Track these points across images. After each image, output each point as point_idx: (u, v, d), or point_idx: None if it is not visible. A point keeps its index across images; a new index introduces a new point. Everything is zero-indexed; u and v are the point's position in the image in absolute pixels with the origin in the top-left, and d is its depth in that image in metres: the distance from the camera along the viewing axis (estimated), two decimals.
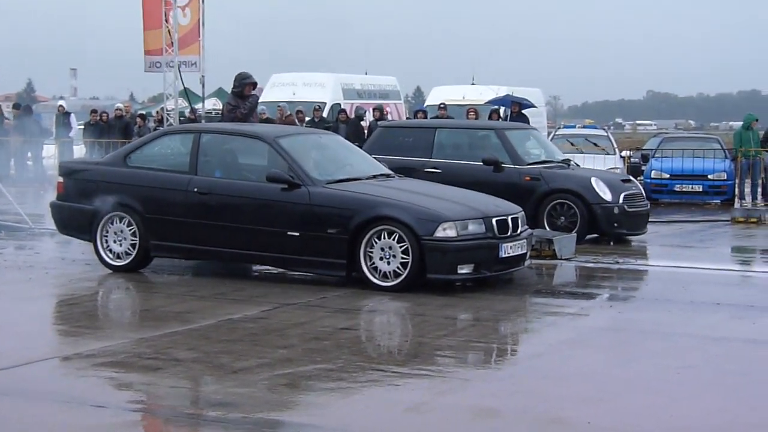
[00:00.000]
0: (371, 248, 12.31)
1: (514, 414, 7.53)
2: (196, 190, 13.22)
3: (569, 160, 18.92)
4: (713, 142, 28.96)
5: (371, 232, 12.32)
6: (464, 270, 12.32)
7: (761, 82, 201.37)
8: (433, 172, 17.35)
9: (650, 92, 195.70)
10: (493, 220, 12.61)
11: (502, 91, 32.55)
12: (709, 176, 26.61)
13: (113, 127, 29.58)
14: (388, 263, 12.27)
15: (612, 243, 17.39)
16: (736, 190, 26.97)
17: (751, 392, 8.30)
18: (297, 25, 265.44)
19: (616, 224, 17.34)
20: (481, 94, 33.68)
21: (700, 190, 26.49)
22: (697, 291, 13.26)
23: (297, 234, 12.67)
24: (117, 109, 31.77)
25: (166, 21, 24.64)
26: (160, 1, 24.36)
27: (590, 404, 7.76)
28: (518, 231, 12.99)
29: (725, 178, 26.70)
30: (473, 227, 12.42)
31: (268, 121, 19.84)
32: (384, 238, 12.27)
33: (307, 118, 28.35)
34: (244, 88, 16.88)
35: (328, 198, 12.67)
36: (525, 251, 13.15)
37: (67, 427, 7.14)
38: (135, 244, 13.49)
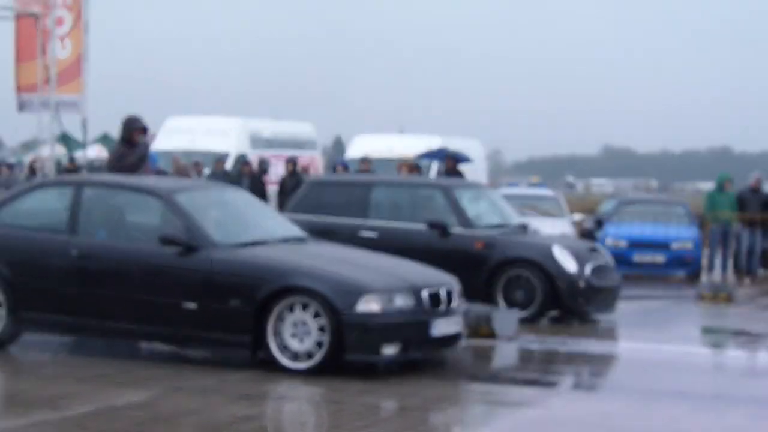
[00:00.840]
0: (281, 323, 12.30)
1: None
2: (75, 253, 13.18)
3: (527, 224, 18.97)
4: (678, 206, 29.29)
5: (281, 305, 12.31)
6: (389, 350, 12.32)
7: (733, 138, 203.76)
8: (367, 236, 17.42)
9: (606, 147, 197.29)
10: (424, 292, 12.65)
11: (434, 143, 32.65)
12: (673, 245, 26.81)
13: None
14: (301, 341, 12.26)
15: (576, 323, 17.46)
16: (704, 261, 27.39)
17: None
18: (196, 61, 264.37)
19: (581, 300, 17.39)
20: (410, 145, 33.72)
21: (663, 261, 26.66)
22: (656, 378, 13.38)
23: (194, 306, 12.63)
24: None
25: (43, 53, 24.46)
26: (35, 29, 24.18)
27: None
28: (453, 305, 13.03)
29: (691, 247, 26.95)
30: (401, 300, 12.43)
31: (161, 173, 19.78)
32: (296, 311, 12.28)
33: (207, 171, 28.18)
34: (133, 133, 16.84)
35: (231, 264, 12.66)
36: (460, 329, 13.19)
37: None
38: (1, 315, 13.42)
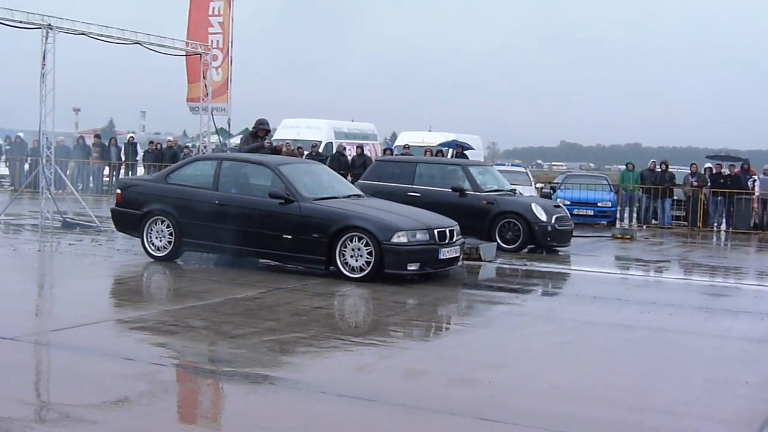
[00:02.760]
0: (344, 249, 12.17)
1: (435, 374, 7.39)
2: (217, 201, 13.08)
3: (515, 189, 18.92)
4: (603, 179, 28.87)
5: (345, 237, 12.18)
6: (412, 267, 12.20)
7: (642, 136, 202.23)
8: (414, 195, 17.35)
9: (563, 142, 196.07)
10: (435, 231, 12.50)
11: (450, 137, 32.49)
12: (599, 204, 26.52)
13: (165, 154, 29.55)
14: (356, 260, 12.13)
15: (545, 252, 17.28)
16: (618, 214, 27.11)
17: (612, 363, 8.18)
18: (302, 80, 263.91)
19: (548, 239, 17.29)
20: (434, 138, 33.65)
21: (592, 213, 26.36)
22: (581, 287, 13.20)
23: (290, 237, 12.53)
24: (168, 141, 31.84)
25: (204, 77, 24.48)
26: (199, 62, 24.21)
27: (492, 369, 7.62)
28: (453, 239, 12.86)
29: (610, 205, 26.65)
30: (420, 236, 12.29)
31: (275, 151, 19.71)
32: (354, 241, 12.14)
33: (306, 152, 28.19)
34: (259, 130, 16.75)
35: (313, 211, 12.52)
36: (458, 254, 13.03)
37: (104, 374, 6.97)
38: (171, 240, 13.37)
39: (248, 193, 13.18)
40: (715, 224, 26.34)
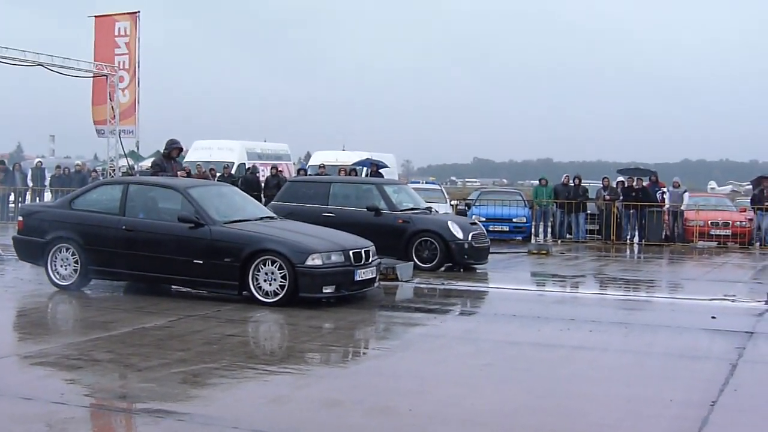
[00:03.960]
0: (258, 273, 11.81)
1: (354, 403, 7.11)
2: (124, 227, 12.61)
3: (431, 207, 18.76)
4: (517, 195, 29.01)
5: (257, 261, 11.81)
6: (328, 290, 11.89)
7: (553, 152, 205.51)
8: (329, 216, 17.04)
9: (476, 158, 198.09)
10: (350, 252, 12.23)
11: (364, 155, 32.34)
12: (513, 219, 26.58)
13: (73, 179, 28.84)
14: (270, 285, 11.78)
15: (462, 270, 17.12)
16: (533, 230, 27.25)
17: (534, 384, 8.01)
18: (213, 101, 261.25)
19: (466, 256, 17.14)
20: (349, 157, 33.45)
21: (507, 229, 26.40)
22: (499, 305, 13.07)
23: (201, 261, 12.11)
24: (76, 165, 31.18)
25: (110, 99, 23.96)
26: (105, 84, 23.70)
27: (412, 395, 7.38)
28: (369, 260, 12.61)
29: (525, 221, 26.73)
30: (335, 257, 12.00)
31: (188, 175, 19.28)
32: (267, 265, 11.78)
33: (218, 174, 27.74)
34: (171, 151, 16.32)
35: (224, 234, 12.12)
36: (375, 275, 12.78)
37: None
38: (77, 269, 12.84)
39: (157, 217, 12.73)
40: (628, 237, 26.68)
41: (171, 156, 16.34)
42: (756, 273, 19.04)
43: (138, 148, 26.90)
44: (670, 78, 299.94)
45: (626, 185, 27.17)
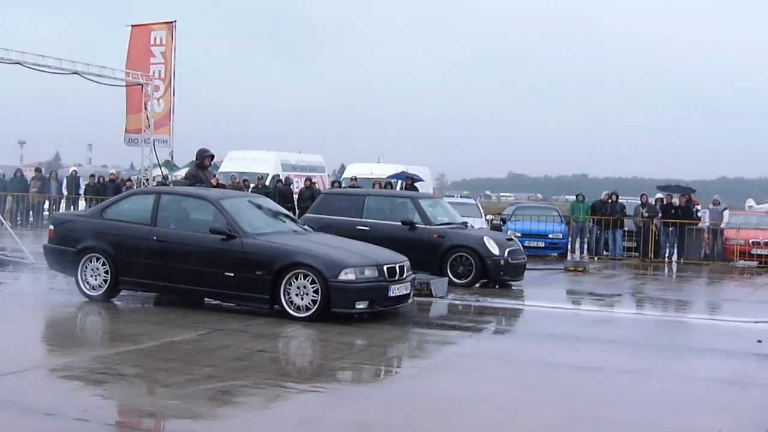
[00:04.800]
0: (289, 287, 11.52)
1: (385, 428, 6.82)
2: (155, 238, 12.41)
3: (467, 222, 18.40)
4: (553, 210, 28.57)
5: (289, 275, 11.52)
6: (361, 305, 11.55)
7: (588, 167, 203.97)
8: (363, 229, 16.74)
9: (510, 173, 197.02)
10: (384, 267, 11.88)
11: (399, 169, 32.02)
12: (550, 235, 26.12)
13: (108, 188, 28.80)
14: (302, 299, 11.50)
15: (497, 287, 16.75)
16: (569, 246, 26.82)
17: (575, 410, 7.64)
18: (249, 111, 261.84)
19: (501, 273, 16.78)
20: (383, 170, 33.16)
21: (543, 245, 25.93)
22: (536, 324, 12.72)
23: (232, 274, 11.85)
24: (111, 174, 31.13)
25: (145, 108, 23.85)
26: (140, 93, 23.58)
27: (447, 420, 7.06)
28: (404, 275, 12.28)
29: (561, 237, 26.27)
30: (368, 272, 11.66)
31: (220, 186, 19.07)
32: (299, 279, 11.50)
33: (252, 185, 27.57)
34: (204, 160, 16.14)
35: (256, 247, 11.86)
36: (409, 291, 12.43)
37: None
38: (107, 279, 12.65)
39: (188, 228, 12.50)
40: (667, 255, 26.16)
41: (204, 165, 16.18)
42: None
43: (172, 158, 26.77)
44: (708, 91, 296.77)
45: (665, 202, 26.66)
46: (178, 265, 12.17)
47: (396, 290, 11.99)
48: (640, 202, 27.14)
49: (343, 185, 28.30)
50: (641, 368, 9.60)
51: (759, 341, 11.37)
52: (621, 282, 19.92)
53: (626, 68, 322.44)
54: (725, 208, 27.47)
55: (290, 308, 11.51)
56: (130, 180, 29.98)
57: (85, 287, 12.78)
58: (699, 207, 26.72)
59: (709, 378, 9.21)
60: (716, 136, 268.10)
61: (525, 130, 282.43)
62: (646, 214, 26.21)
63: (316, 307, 11.41)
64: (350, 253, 12.02)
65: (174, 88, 25.62)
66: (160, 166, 26.09)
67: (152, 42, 25.86)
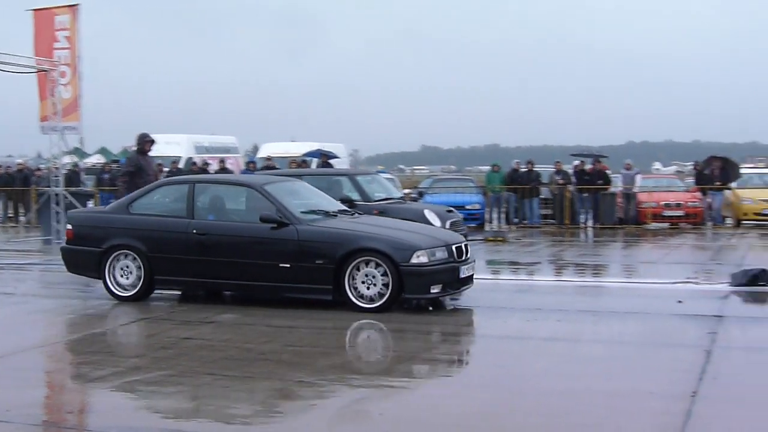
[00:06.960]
0: (355, 275, 10.37)
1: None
2: (195, 231, 11.01)
3: (404, 196, 17.42)
4: (469, 181, 28.22)
5: (355, 262, 10.36)
6: (435, 290, 10.44)
7: (500, 137, 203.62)
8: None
9: (423, 146, 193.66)
10: (453, 247, 10.84)
11: (314, 146, 30.95)
12: (467, 206, 25.48)
13: (16, 178, 26.62)
14: (368, 288, 10.35)
15: None
16: (487, 216, 26.49)
17: (504, 380, 7.31)
18: (158, 92, 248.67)
19: None
20: (298, 148, 32.00)
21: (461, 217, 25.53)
22: (460, 296, 11.58)
23: (288, 265, 10.55)
24: (18, 164, 29.02)
25: (52, 95, 21.98)
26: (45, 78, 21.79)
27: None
28: (469, 255, 11.28)
29: (479, 207, 25.91)
30: (439, 254, 10.57)
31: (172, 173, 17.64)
32: (366, 266, 10.36)
33: (166, 169, 25.94)
34: (144, 145, 14.76)
35: (314, 234, 10.63)
36: (473, 272, 11.40)
37: None
38: (140, 276, 11.21)
39: (229, 218, 11.18)
40: (583, 220, 26.21)
41: (144, 151, 14.89)
42: (714, 254, 18.48)
43: (82, 145, 24.73)
44: (612, 58, 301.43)
45: (578, 169, 26.71)
46: (224, 259, 10.82)
47: (465, 271, 11.00)
48: (554, 169, 27.09)
49: (258, 166, 26.99)
50: (569, 335, 9.20)
51: (679, 302, 11.06)
52: (540, 250, 19.57)
53: (532, 39, 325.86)
54: (638, 172, 27.83)
55: (356, 298, 10.39)
56: (39, 169, 27.75)
57: (115, 288, 11.33)
58: (609, 172, 26.89)
59: (635, 341, 8.85)
60: (622, 102, 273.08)
61: (436, 103, 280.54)
62: (561, 181, 26.18)
63: (388, 294, 10.29)
64: (417, 234, 10.94)
65: (81, 72, 23.93)
66: (78, 153, 24.13)
67: (56, 26, 24.05)
